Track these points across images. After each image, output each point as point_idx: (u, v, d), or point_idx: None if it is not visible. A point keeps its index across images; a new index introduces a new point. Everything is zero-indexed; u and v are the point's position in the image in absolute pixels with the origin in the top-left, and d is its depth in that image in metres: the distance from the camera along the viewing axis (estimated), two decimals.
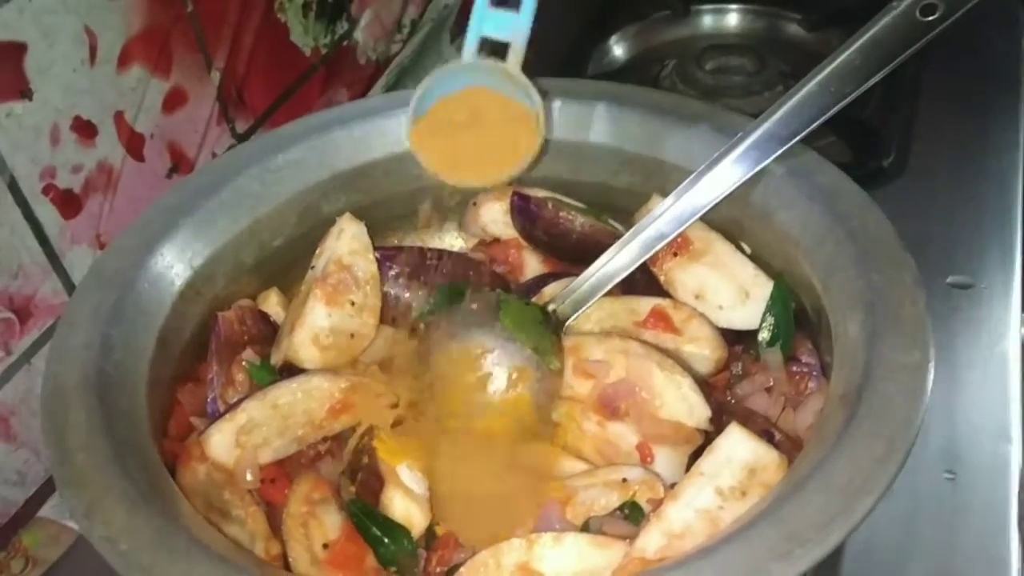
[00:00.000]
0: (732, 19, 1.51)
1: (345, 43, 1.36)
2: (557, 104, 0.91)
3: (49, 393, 0.68)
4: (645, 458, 0.75)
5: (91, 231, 0.98)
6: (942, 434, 0.91)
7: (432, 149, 0.88)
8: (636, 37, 1.50)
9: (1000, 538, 0.84)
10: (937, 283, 1.05)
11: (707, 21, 1.51)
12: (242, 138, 1.18)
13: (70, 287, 0.96)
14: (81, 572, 0.92)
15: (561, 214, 0.87)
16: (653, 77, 1.39)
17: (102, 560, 0.59)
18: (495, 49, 0.86)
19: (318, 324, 0.79)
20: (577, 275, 0.84)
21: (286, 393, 0.75)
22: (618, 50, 1.50)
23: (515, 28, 0.83)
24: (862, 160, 1.18)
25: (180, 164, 1.08)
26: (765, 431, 0.73)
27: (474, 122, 0.86)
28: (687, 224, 0.81)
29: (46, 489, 0.99)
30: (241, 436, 0.73)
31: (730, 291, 0.82)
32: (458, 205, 0.96)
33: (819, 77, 0.78)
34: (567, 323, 0.82)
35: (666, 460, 0.75)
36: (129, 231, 0.81)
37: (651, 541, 0.65)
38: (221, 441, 0.73)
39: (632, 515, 0.70)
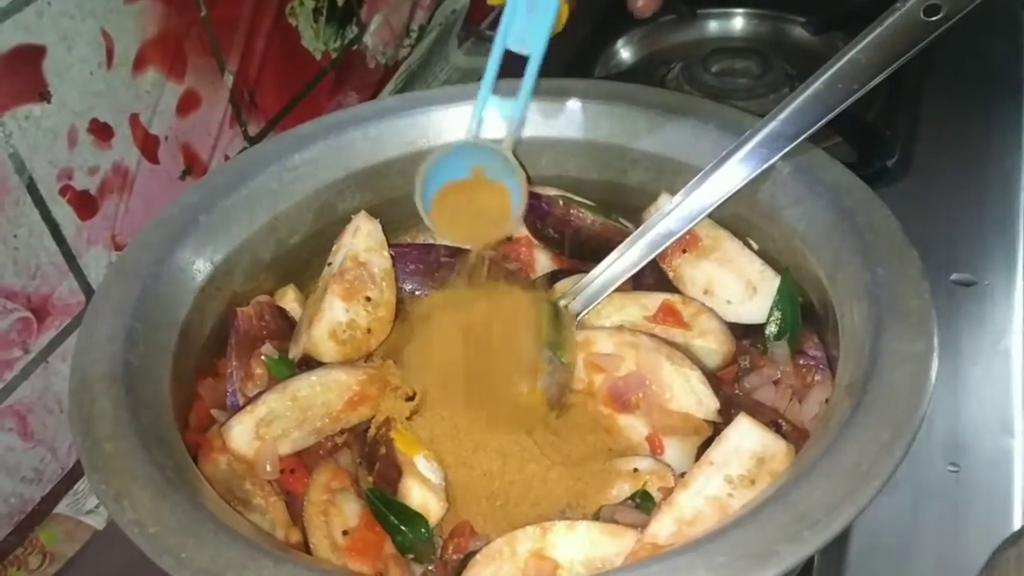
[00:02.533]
0: (738, 22, 1.52)
1: (355, 47, 1.37)
2: (569, 103, 0.92)
3: (76, 383, 0.69)
4: (655, 449, 0.77)
5: (107, 232, 0.99)
6: (946, 428, 0.92)
7: (442, 228, 0.86)
8: (642, 40, 1.52)
9: (1001, 529, 0.85)
10: (941, 281, 1.06)
11: (713, 24, 1.53)
12: (254, 141, 1.19)
13: (86, 287, 0.97)
14: (97, 567, 0.93)
15: (572, 212, 0.88)
16: (659, 80, 1.40)
17: (117, 555, 0.60)
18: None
19: (336, 319, 0.81)
20: (587, 272, 0.85)
21: (305, 386, 0.76)
22: (625, 53, 1.51)
23: (511, 113, 0.83)
24: (867, 160, 1.19)
25: (193, 166, 1.09)
26: (773, 422, 0.74)
27: (471, 205, 0.85)
28: (695, 221, 0.82)
29: (62, 486, 0.99)
30: (261, 428, 0.74)
31: (738, 286, 0.84)
32: None
33: (825, 76, 0.79)
34: (578, 318, 0.83)
35: (676, 451, 0.77)
36: (151, 227, 0.82)
37: (663, 527, 0.66)
38: (242, 433, 0.74)
39: (643, 504, 0.72)
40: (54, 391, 0.96)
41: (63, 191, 0.93)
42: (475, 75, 1.50)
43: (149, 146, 1.03)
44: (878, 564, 0.84)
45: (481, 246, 0.86)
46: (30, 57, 0.87)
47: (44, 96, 0.89)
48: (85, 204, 0.96)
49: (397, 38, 1.46)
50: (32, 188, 0.90)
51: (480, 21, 1.62)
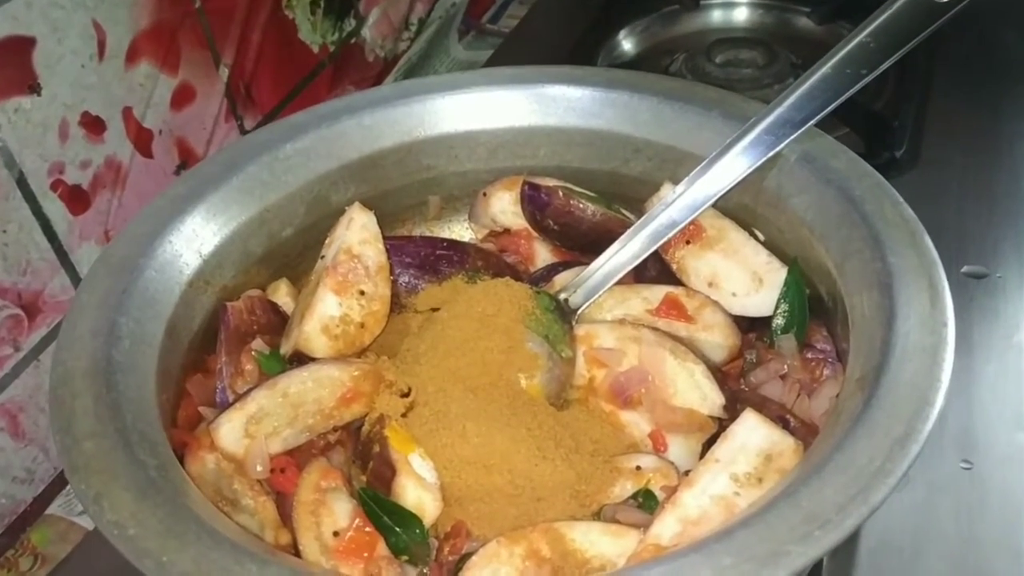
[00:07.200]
0: (741, 12, 1.51)
1: (353, 40, 1.36)
2: (569, 91, 0.91)
3: (57, 379, 0.68)
4: (658, 446, 0.75)
5: (99, 227, 0.98)
6: (958, 424, 0.91)
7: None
8: (645, 31, 1.51)
9: (1017, 527, 0.83)
10: (952, 273, 1.03)
11: (716, 15, 1.52)
12: None
13: (79, 284, 0.96)
14: (89, 569, 0.92)
15: (572, 202, 0.87)
16: (662, 71, 1.39)
17: (110, 557, 0.58)
18: None
19: (328, 313, 0.79)
20: (588, 264, 0.83)
21: (296, 382, 0.74)
22: (627, 44, 1.49)
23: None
24: (875, 151, 1.18)
25: (188, 160, 1.08)
26: (780, 418, 0.73)
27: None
28: (699, 211, 0.80)
29: (55, 486, 0.99)
30: (251, 426, 0.72)
31: (743, 278, 0.82)
32: (467, 196, 0.95)
33: (832, 61, 0.78)
34: (579, 312, 0.81)
35: (680, 448, 0.75)
36: (138, 219, 0.80)
37: (666, 528, 0.64)
38: (231, 431, 0.71)
39: (646, 503, 0.70)
40: (46, 390, 0.94)
41: (54, 186, 0.92)
42: (475, 68, 1.50)
43: (142, 140, 1.02)
44: (889, 563, 0.83)
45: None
46: (19, 48, 0.86)
47: (34, 88, 0.88)
48: (77, 199, 0.95)
49: (396, 31, 1.45)
50: (22, 183, 0.89)
51: (481, 15, 1.61)
